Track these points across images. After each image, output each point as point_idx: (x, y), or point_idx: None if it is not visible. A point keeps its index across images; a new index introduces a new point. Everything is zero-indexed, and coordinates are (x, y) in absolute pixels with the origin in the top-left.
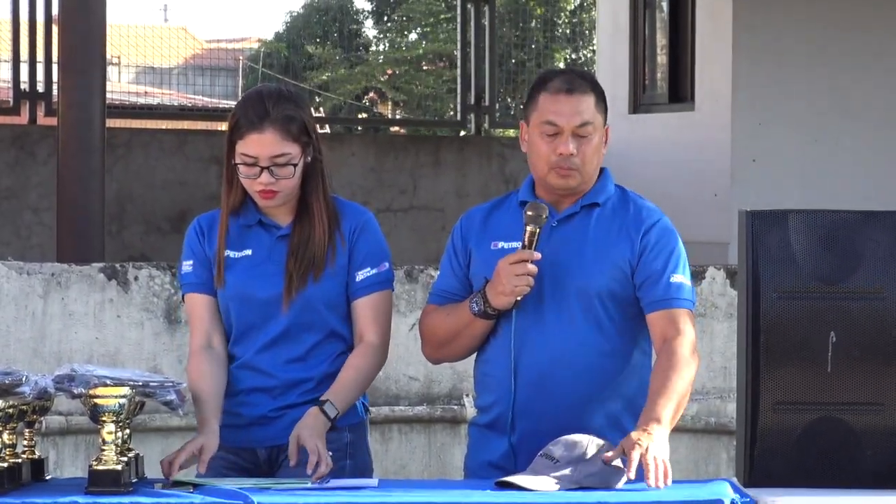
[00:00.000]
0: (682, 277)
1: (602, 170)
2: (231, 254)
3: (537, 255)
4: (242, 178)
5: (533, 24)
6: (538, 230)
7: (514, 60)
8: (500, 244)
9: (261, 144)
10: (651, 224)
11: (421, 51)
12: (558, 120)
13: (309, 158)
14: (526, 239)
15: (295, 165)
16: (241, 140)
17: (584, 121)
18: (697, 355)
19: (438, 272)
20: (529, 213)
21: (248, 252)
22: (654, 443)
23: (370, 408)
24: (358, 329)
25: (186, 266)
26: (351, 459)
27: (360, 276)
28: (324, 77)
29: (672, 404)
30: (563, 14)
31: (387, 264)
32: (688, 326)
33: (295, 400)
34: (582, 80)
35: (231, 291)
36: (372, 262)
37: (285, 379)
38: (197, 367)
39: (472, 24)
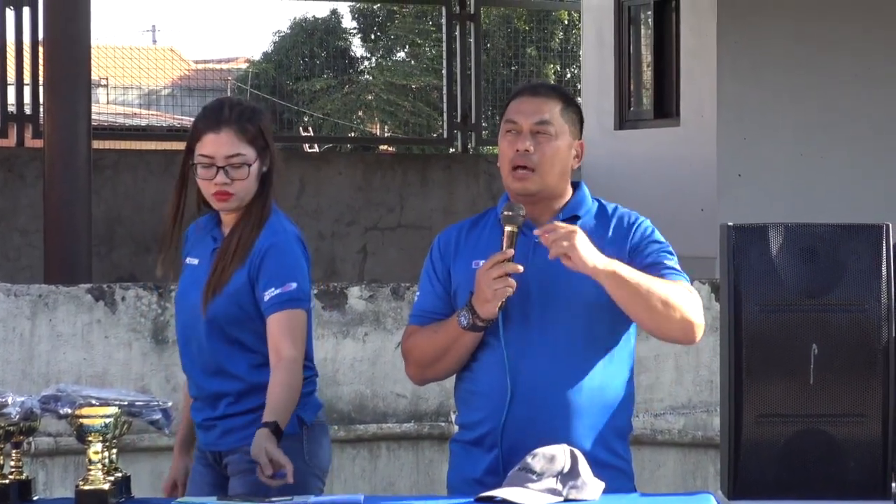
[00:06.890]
0: (674, 262)
1: (578, 183)
2: (188, 260)
3: (510, 253)
4: (200, 181)
5: (523, 39)
6: (516, 230)
7: (498, 79)
8: (481, 262)
9: (217, 144)
10: (635, 225)
11: (408, 78)
12: (517, 118)
13: (265, 168)
14: (504, 240)
15: (249, 166)
16: (199, 143)
17: (543, 119)
18: (699, 318)
19: (418, 293)
20: (506, 213)
21: (196, 261)
22: (578, 236)
23: (359, 425)
24: (273, 345)
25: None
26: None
27: (267, 295)
28: (317, 104)
29: (636, 274)
30: (555, 33)
31: (293, 284)
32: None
33: (223, 412)
34: (550, 88)
35: (175, 299)
36: (276, 283)
37: (209, 391)
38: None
39: (458, 42)
